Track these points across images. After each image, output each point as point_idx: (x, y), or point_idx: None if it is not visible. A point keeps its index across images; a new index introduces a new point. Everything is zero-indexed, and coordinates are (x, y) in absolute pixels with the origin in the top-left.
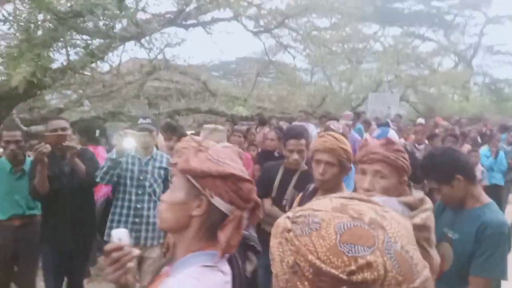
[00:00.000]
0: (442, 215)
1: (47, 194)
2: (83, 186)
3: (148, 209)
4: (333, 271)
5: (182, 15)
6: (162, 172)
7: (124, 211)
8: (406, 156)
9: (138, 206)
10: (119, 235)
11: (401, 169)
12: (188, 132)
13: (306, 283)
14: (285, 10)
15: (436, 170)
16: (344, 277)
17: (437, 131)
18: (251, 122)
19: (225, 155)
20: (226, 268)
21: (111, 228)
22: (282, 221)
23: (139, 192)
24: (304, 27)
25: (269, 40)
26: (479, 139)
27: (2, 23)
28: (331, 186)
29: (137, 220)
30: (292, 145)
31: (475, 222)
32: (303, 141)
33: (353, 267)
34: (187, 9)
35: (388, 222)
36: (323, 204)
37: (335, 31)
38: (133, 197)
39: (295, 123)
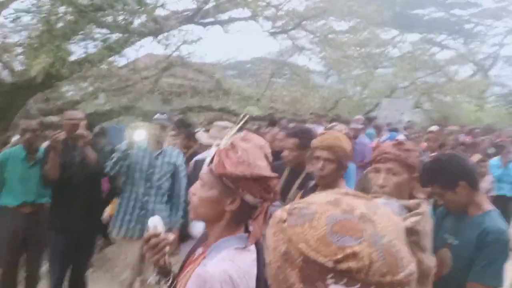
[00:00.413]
0: (444, 221)
1: (57, 182)
2: (92, 176)
3: (155, 202)
4: (321, 259)
5: (200, 13)
6: (171, 166)
7: (131, 203)
8: (416, 154)
9: (145, 199)
10: (154, 223)
11: (411, 166)
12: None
13: (296, 270)
14: (303, 12)
15: (441, 175)
16: (331, 265)
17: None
18: (262, 122)
19: (254, 155)
20: (252, 247)
21: (117, 218)
22: (279, 212)
23: (147, 185)
24: (321, 29)
25: (285, 41)
26: (491, 150)
27: (25, 13)
28: (329, 182)
29: (142, 212)
30: (285, 142)
31: (476, 229)
32: (295, 140)
33: (339, 256)
34: (205, 7)
35: (378, 217)
36: (318, 198)
37: (353, 35)
38: (141, 190)
39: (307, 125)
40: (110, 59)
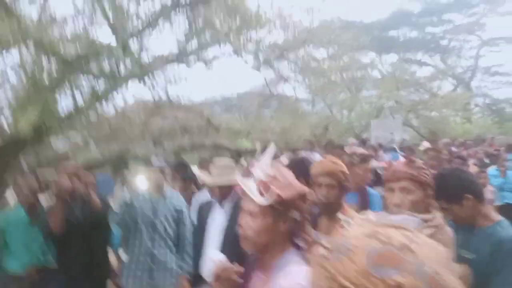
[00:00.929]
0: (454, 236)
1: (60, 238)
2: (94, 227)
3: (161, 250)
4: None
5: (183, 53)
6: (174, 210)
7: (138, 254)
8: (428, 172)
9: (152, 249)
10: (219, 257)
11: (425, 184)
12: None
13: None
14: (283, 44)
15: (446, 190)
16: None
17: (444, 153)
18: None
19: (289, 177)
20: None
21: (128, 276)
22: (319, 249)
23: (152, 233)
24: (302, 58)
25: (269, 72)
26: (486, 160)
27: (10, 69)
28: (334, 208)
29: (150, 263)
30: None
31: (488, 241)
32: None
33: None
34: (188, 47)
35: (418, 246)
36: (355, 231)
37: (333, 61)
38: (147, 240)
39: (300, 152)
40: (98, 108)
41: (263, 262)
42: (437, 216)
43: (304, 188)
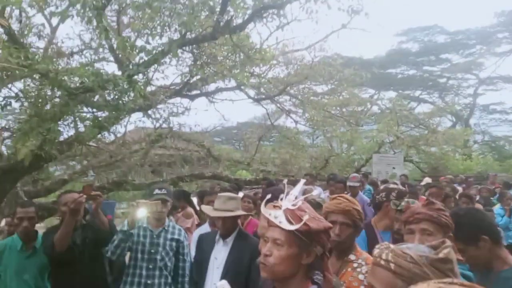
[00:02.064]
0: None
1: (58, 266)
2: (94, 256)
3: (159, 284)
4: None
5: (186, 86)
6: (174, 244)
7: (134, 287)
8: (447, 213)
9: (149, 282)
10: (224, 285)
11: (445, 225)
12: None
13: None
14: (285, 79)
15: (461, 230)
16: None
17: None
18: (255, 186)
19: (313, 210)
20: None
21: None
22: None
23: (150, 266)
24: (303, 93)
25: (270, 106)
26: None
27: (14, 100)
28: (346, 247)
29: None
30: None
31: (506, 285)
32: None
33: None
34: (192, 81)
35: None
36: None
37: (333, 96)
38: (144, 272)
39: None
40: (99, 136)
41: None
42: (446, 240)
43: (329, 224)
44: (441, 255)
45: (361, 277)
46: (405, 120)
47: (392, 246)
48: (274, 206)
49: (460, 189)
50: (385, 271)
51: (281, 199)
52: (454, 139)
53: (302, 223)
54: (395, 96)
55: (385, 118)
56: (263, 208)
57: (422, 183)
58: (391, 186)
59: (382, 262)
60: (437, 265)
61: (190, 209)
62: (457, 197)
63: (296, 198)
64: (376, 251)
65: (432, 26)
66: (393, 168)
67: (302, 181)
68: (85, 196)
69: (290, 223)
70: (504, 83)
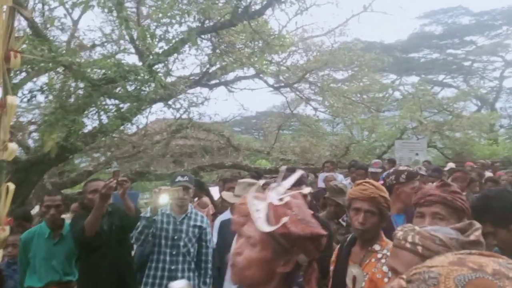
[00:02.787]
0: None
1: (86, 252)
2: (121, 241)
3: (183, 270)
4: None
5: (206, 76)
6: (196, 230)
7: (159, 273)
8: (464, 197)
9: (173, 267)
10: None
11: (460, 210)
12: (212, 187)
13: None
14: (305, 66)
15: (491, 212)
16: None
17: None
18: (275, 175)
19: (306, 212)
20: None
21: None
22: (396, 281)
23: (173, 252)
24: (322, 79)
25: (290, 94)
26: None
27: (39, 93)
28: (371, 236)
29: (171, 281)
30: None
31: None
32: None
33: None
34: (211, 70)
35: None
36: (438, 260)
37: (354, 82)
38: (168, 258)
39: (322, 173)
40: (121, 127)
41: None
42: (474, 222)
43: (321, 231)
44: (472, 237)
45: (385, 268)
46: (428, 105)
47: (417, 228)
48: (260, 197)
49: (487, 174)
50: (411, 254)
51: (270, 189)
52: (479, 124)
53: (279, 224)
54: (418, 81)
55: (407, 103)
56: (249, 197)
57: (446, 169)
58: (401, 168)
59: (408, 245)
60: (468, 248)
61: (205, 199)
62: (483, 181)
63: (288, 190)
64: (399, 233)
65: (456, 7)
66: (416, 154)
67: (283, 168)
68: (115, 181)
69: (268, 222)
70: None
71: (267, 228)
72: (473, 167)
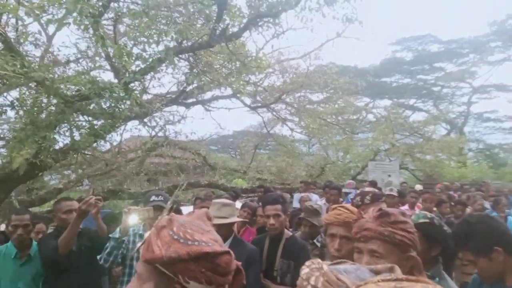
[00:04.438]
0: None
1: (54, 271)
2: (90, 264)
3: None
4: None
5: (183, 94)
6: None
7: None
8: (409, 226)
9: None
10: None
11: (401, 244)
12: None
13: None
14: (282, 87)
15: (472, 240)
16: None
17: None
18: (251, 194)
19: (193, 228)
20: None
21: None
22: None
23: None
24: (299, 101)
25: (267, 113)
26: (487, 205)
27: (9, 108)
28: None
29: None
30: (269, 211)
31: None
32: (278, 206)
33: None
34: (188, 89)
35: None
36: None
37: (329, 104)
38: None
39: (297, 193)
40: (94, 144)
41: None
42: (396, 268)
43: (203, 248)
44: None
45: None
46: (400, 128)
47: (325, 267)
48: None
49: (456, 196)
50: None
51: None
52: (448, 147)
53: (144, 248)
54: (390, 104)
55: (380, 126)
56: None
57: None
58: (366, 189)
59: None
60: None
61: None
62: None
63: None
64: (304, 271)
65: (426, 35)
66: (389, 175)
67: (172, 197)
68: (94, 197)
69: (145, 249)
70: (498, 92)
71: (141, 256)
72: (442, 189)
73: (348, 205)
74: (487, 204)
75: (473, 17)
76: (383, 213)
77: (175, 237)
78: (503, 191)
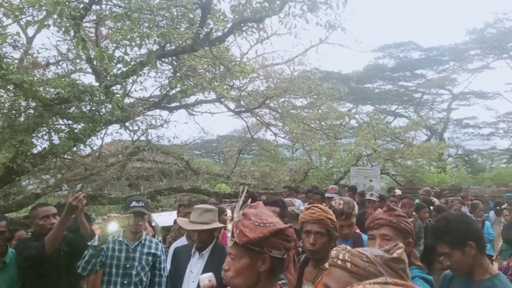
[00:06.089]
0: (451, 287)
1: (32, 276)
2: (70, 265)
3: None
4: None
5: (166, 98)
6: (150, 258)
7: None
8: (408, 220)
9: None
10: (209, 277)
11: (404, 231)
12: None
13: None
14: (265, 92)
15: (449, 234)
16: None
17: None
18: (234, 199)
19: (264, 215)
20: None
21: None
22: None
23: (125, 281)
24: (282, 106)
25: (250, 118)
26: (464, 209)
27: None
28: (322, 256)
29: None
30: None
31: None
32: (276, 209)
33: None
34: (171, 93)
35: None
36: None
37: (312, 110)
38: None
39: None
40: (74, 148)
41: None
42: (400, 243)
43: (277, 226)
44: (394, 254)
45: None
46: (381, 134)
47: (349, 247)
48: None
49: (436, 200)
50: (341, 271)
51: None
52: (428, 153)
53: (240, 235)
54: (372, 110)
55: (362, 131)
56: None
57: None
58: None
59: (339, 262)
60: (391, 264)
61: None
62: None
63: (241, 208)
64: (333, 253)
65: (407, 43)
66: (371, 180)
67: (245, 189)
68: (83, 194)
69: (232, 236)
70: (476, 99)
71: (230, 243)
72: (423, 193)
73: (321, 205)
74: (464, 209)
75: (453, 25)
76: (390, 208)
77: (256, 223)
78: (483, 196)
